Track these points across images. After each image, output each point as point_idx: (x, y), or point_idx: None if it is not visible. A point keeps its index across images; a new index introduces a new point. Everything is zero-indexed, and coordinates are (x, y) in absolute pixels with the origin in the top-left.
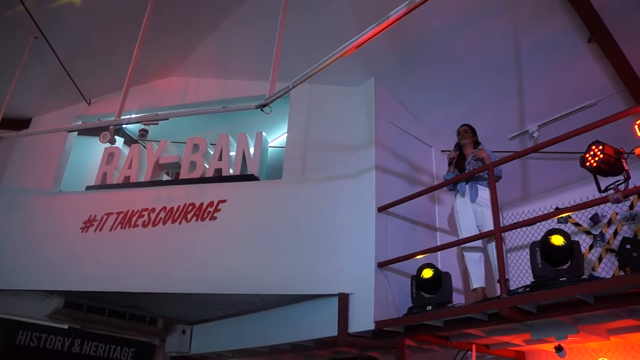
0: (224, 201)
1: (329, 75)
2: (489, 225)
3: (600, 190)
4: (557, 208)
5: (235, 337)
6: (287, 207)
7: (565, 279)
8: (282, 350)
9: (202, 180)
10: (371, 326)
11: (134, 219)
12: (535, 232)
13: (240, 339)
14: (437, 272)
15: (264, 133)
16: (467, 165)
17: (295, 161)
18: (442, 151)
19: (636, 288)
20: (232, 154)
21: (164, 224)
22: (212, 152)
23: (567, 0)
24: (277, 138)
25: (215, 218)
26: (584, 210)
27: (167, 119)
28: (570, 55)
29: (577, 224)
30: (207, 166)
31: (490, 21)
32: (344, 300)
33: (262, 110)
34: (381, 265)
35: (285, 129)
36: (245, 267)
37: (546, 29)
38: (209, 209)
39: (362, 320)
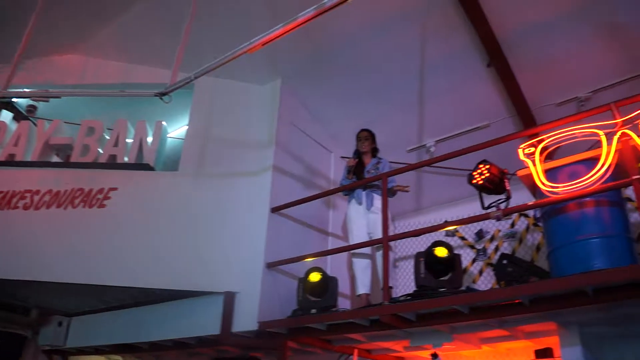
0: (115, 189)
1: (236, 71)
2: (380, 234)
3: (483, 207)
4: (446, 221)
5: (115, 331)
6: (180, 200)
7: (444, 289)
8: (163, 346)
9: (94, 165)
10: (255, 326)
11: (14, 200)
12: (425, 244)
13: (121, 334)
14: (325, 276)
15: (164, 123)
16: (365, 174)
17: (193, 154)
18: (342, 157)
19: (507, 300)
20: (129, 141)
21: (47, 207)
22: (108, 138)
23: (470, 22)
24: (177, 129)
25: (104, 206)
26: (470, 225)
27: (59, 97)
28: (470, 76)
29: (463, 238)
30: (101, 151)
31: (398, 33)
32: (229, 298)
33: (161, 98)
34: (270, 265)
35: (187, 121)
36: (130, 258)
37: (450, 47)
38: (99, 195)
39: (246, 320)
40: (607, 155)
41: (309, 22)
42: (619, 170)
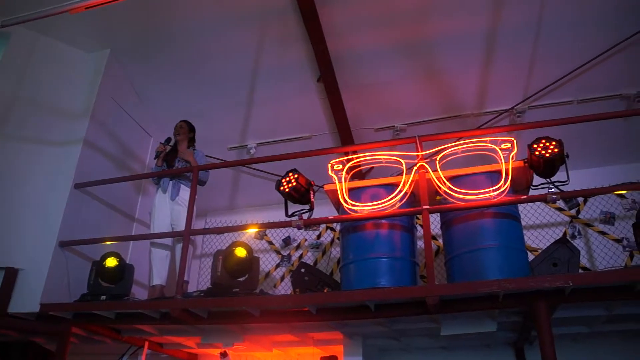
0: None
1: (61, 31)
2: (183, 226)
3: (287, 215)
4: (255, 223)
5: None
6: None
7: (238, 290)
8: None
9: None
10: (36, 308)
11: None
12: (230, 241)
13: None
14: (122, 263)
15: None
16: (176, 163)
17: None
18: (160, 142)
19: (296, 307)
20: None
21: None
22: None
23: (309, 37)
24: None
25: None
26: (279, 230)
27: None
28: (300, 87)
29: (270, 243)
30: None
31: (238, 34)
32: (11, 275)
33: None
34: (63, 244)
35: None
36: None
37: (285, 56)
38: None
39: (27, 300)
40: (405, 184)
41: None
42: (415, 199)
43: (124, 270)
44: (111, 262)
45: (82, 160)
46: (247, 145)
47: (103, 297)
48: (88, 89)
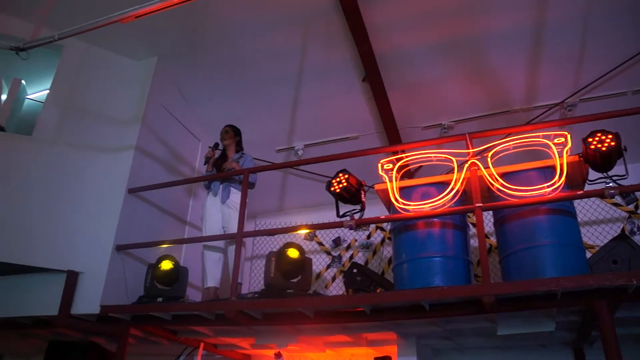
0: None
1: (111, 41)
2: (234, 228)
3: (338, 215)
4: (306, 224)
5: None
6: (30, 167)
7: (291, 291)
8: None
9: None
10: (96, 310)
11: None
12: (282, 243)
13: None
14: (176, 266)
15: (23, 81)
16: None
17: (52, 120)
18: (209, 147)
19: (350, 308)
20: None
21: None
22: None
23: (352, 37)
24: (39, 92)
25: None
26: (329, 231)
27: None
28: (346, 88)
29: (320, 244)
30: None
31: (281, 35)
32: (72, 278)
33: (17, 53)
34: (120, 248)
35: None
36: None
37: (330, 57)
38: None
39: (88, 302)
40: (457, 182)
41: (194, 6)
42: (466, 197)
43: (179, 273)
44: (166, 264)
45: (134, 166)
46: (294, 147)
47: (159, 299)
48: (138, 96)
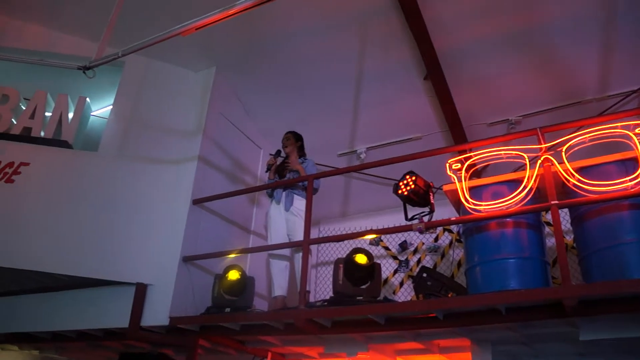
0: (27, 164)
1: (170, 54)
2: (299, 236)
3: (407, 218)
4: (372, 229)
5: (11, 319)
6: (97, 182)
7: (361, 298)
8: (66, 337)
9: (6, 136)
10: (166, 321)
11: None
12: (348, 250)
13: (18, 322)
14: (243, 275)
15: (87, 99)
16: (288, 174)
17: (116, 135)
18: (270, 154)
19: (422, 314)
20: (48, 114)
21: None
22: (24, 108)
23: (412, 36)
24: (102, 108)
25: (12, 181)
26: (394, 235)
27: None
28: (407, 87)
29: (386, 248)
30: (15, 122)
31: (339, 37)
32: (141, 291)
33: (84, 72)
34: (187, 259)
35: (113, 101)
36: (37, 240)
37: (390, 57)
38: (7, 169)
39: (157, 314)
40: (530, 179)
41: (250, 14)
42: (540, 195)
43: (246, 283)
44: (233, 274)
45: (198, 176)
46: (356, 151)
47: (227, 310)
48: (199, 107)
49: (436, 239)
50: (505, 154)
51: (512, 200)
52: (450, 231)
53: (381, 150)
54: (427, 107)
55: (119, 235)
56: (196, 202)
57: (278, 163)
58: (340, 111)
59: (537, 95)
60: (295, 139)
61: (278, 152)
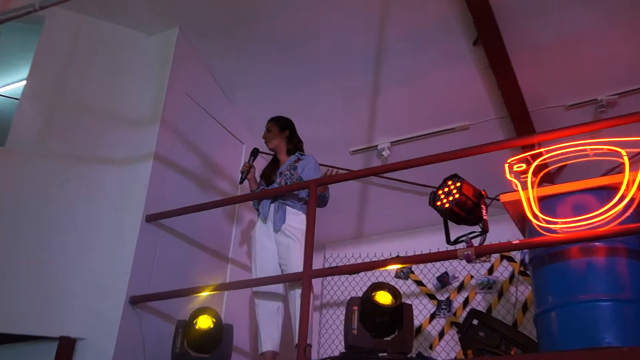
0: None
1: (112, 8)
2: (297, 266)
3: (448, 241)
4: (398, 256)
5: None
6: (2, 190)
7: (385, 354)
8: None
9: None
10: None
11: None
12: (365, 286)
13: None
14: (218, 323)
15: None
16: (278, 177)
17: (32, 124)
18: (257, 151)
19: None
20: None
21: None
22: None
23: None
24: (10, 85)
25: None
26: (430, 265)
27: None
28: (447, 56)
29: (419, 283)
30: None
31: None
32: (66, 347)
33: None
34: (136, 301)
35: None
36: None
37: (422, 18)
38: None
39: None
40: (630, 185)
41: None
42: None
43: (222, 333)
44: (204, 322)
45: (154, 183)
46: (376, 146)
47: None
48: (154, 85)
49: (491, 271)
50: (591, 150)
51: (603, 217)
52: (511, 259)
53: (411, 145)
54: (477, 84)
55: (36, 267)
56: (150, 218)
57: (253, 167)
58: (352, 94)
59: (636, 65)
60: (279, 128)
61: (255, 152)
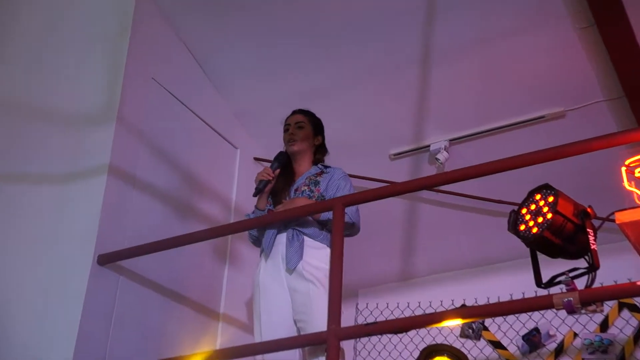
0: None
1: None
2: (319, 323)
3: (539, 284)
4: (463, 305)
5: None
6: None
7: None
8: None
9: None
10: None
11: None
12: (417, 348)
13: None
14: None
15: None
16: (292, 194)
17: None
18: (256, 160)
19: None
20: None
21: None
22: None
23: None
24: None
25: None
26: (513, 318)
27: None
28: (533, 13)
29: (498, 345)
30: None
31: None
32: None
33: None
34: None
35: None
36: None
37: None
38: None
39: None
40: None
41: None
42: None
43: None
44: None
45: (108, 208)
46: (428, 147)
47: None
48: (107, 65)
49: (605, 326)
50: None
51: None
52: (635, 309)
53: (479, 144)
54: (576, 52)
55: None
56: (104, 260)
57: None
58: (392, 75)
59: None
60: (313, 127)
61: (282, 157)
